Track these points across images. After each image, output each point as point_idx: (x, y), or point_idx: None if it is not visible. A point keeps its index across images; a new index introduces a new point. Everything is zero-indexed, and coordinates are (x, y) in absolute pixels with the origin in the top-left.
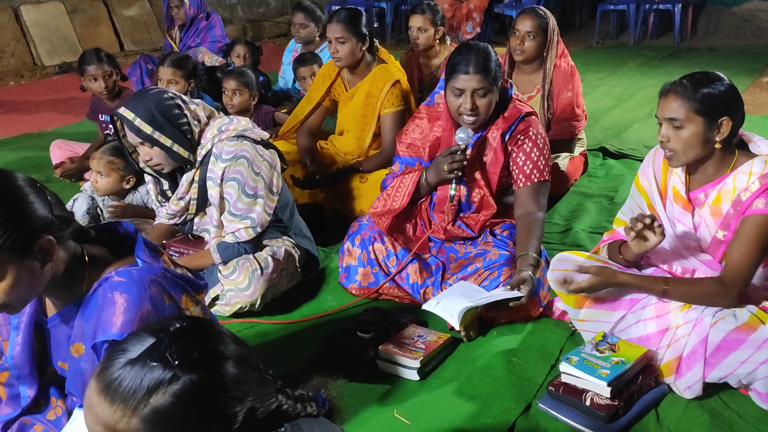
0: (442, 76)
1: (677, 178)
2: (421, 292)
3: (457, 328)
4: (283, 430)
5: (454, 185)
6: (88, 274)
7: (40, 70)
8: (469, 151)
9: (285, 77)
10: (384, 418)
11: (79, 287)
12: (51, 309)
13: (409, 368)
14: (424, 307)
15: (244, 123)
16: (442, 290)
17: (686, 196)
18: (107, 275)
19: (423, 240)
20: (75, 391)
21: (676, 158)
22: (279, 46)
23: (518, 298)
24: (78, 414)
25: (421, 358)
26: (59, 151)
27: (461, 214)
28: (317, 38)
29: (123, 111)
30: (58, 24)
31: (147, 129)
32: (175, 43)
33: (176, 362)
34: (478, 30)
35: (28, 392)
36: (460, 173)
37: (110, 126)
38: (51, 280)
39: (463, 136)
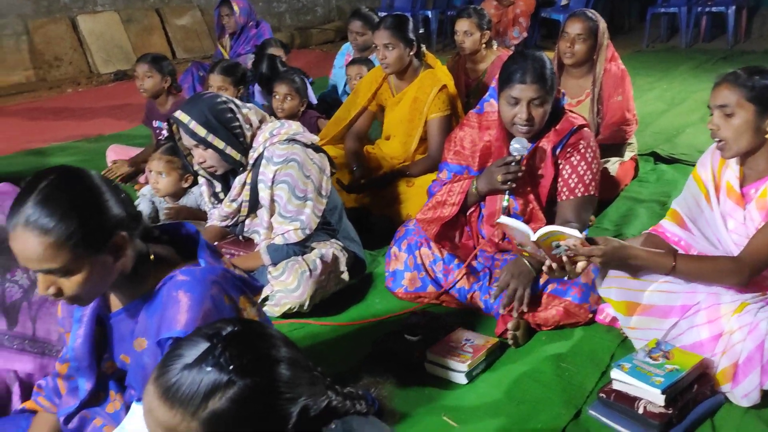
0: (492, 84)
1: (732, 172)
2: (468, 296)
3: (533, 238)
4: (333, 426)
5: (507, 196)
6: (153, 272)
7: (96, 78)
8: (522, 162)
9: (336, 81)
10: (432, 420)
11: (144, 284)
12: (115, 305)
13: (457, 371)
14: (499, 219)
15: (294, 127)
16: (489, 295)
17: (740, 191)
18: (172, 274)
19: (473, 254)
20: (135, 384)
21: (727, 148)
22: (326, 53)
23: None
24: (136, 408)
25: (469, 361)
26: (115, 156)
27: None
28: (374, 45)
29: (179, 114)
30: (114, 33)
31: (201, 132)
32: (225, 51)
33: (231, 367)
34: (525, 35)
35: (86, 385)
36: (513, 184)
37: (163, 132)
38: (119, 276)
39: (518, 147)
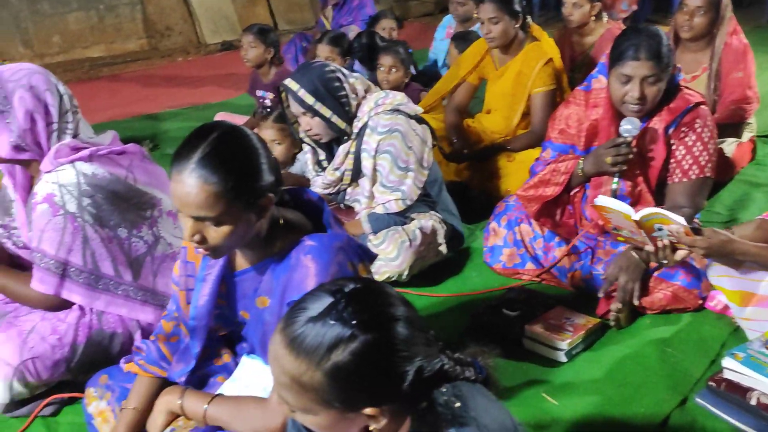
0: (602, 60)
1: None
2: (569, 275)
3: (635, 217)
4: (444, 390)
5: (616, 179)
6: (282, 236)
7: (204, 48)
8: (632, 144)
9: (436, 53)
10: (531, 396)
11: (273, 246)
12: (240, 264)
13: (557, 349)
14: (596, 200)
15: (399, 97)
16: (590, 275)
17: None
18: (300, 239)
19: (576, 237)
20: (254, 338)
21: None
22: (425, 25)
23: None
24: (246, 360)
25: (569, 339)
26: None
27: None
28: (475, 15)
29: (288, 82)
30: (221, 5)
31: (309, 100)
32: (327, 22)
33: (353, 322)
34: (635, 7)
35: (196, 344)
36: (624, 167)
37: (266, 101)
38: (252, 238)
39: (629, 128)
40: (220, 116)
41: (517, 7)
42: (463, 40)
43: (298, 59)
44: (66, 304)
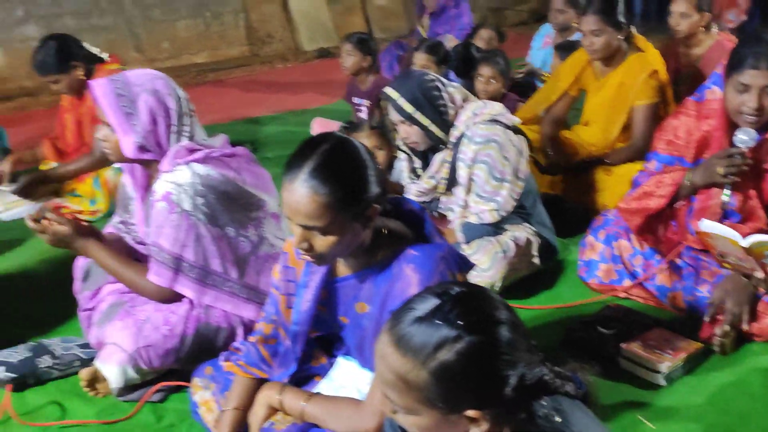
0: (717, 70)
1: None
2: (669, 296)
3: (744, 244)
4: (545, 403)
5: (727, 191)
6: (384, 245)
7: (302, 55)
8: (747, 155)
9: (532, 61)
10: (627, 418)
11: (376, 255)
12: (342, 271)
13: (656, 372)
14: (701, 226)
15: (497, 108)
16: (693, 297)
17: None
18: (402, 248)
19: (677, 249)
20: (351, 342)
21: None
22: (519, 34)
23: None
24: (341, 361)
25: (669, 363)
26: (319, 128)
27: (724, 222)
28: (574, 24)
29: (388, 90)
30: (318, 13)
31: (409, 108)
32: (424, 30)
33: (459, 323)
34: (744, 18)
35: (297, 348)
36: (736, 178)
37: (361, 108)
38: (356, 246)
39: (745, 138)
40: (316, 122)
41: (621, 18)
42: (567, 49)
43: (393, 67)
44: (177, 297)
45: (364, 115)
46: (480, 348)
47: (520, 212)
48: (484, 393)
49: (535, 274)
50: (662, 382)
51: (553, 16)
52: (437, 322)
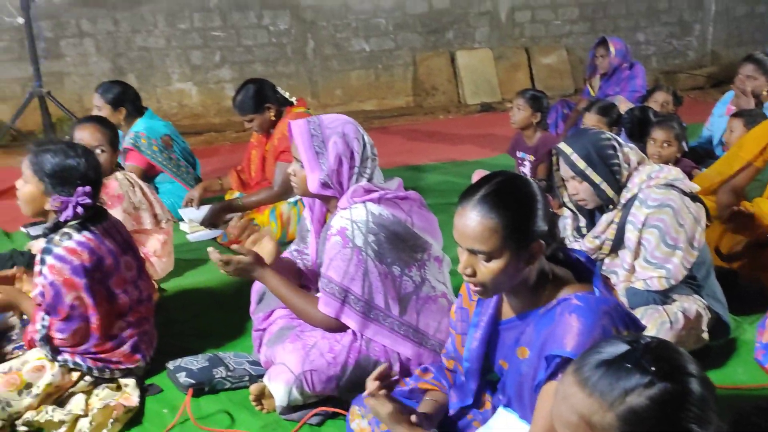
0: None
1: None
2: None
3: None
4: None
5: None
6: (549, 289)
7: (464, 108)
8: None
9: (712, 130)
10: None
11: (539, 298)
12: (505, 313)
13: None
14: None
15: (674, 172)
16: None
17: None
18: (567, 296)
19: None
20: (510, 389)
21: None
22: (693, 99)
23: None
24: (501, 412)
25: None
26: None
27: None
28: (765, 92)
29: (562, 145)
30: (485, 68)
31: (581, 164)
32: (593, 90)
33: (652, 369)
34: None
35: (472, 385)
36: None
37: (525, 162)
38: (520, 285)
39: None
40: (478, 174)
41: None
42: (754, 118)
43: (558, 125)
44: (342, 328)
45: (526, 169)
46: (672, 396)
47: (691, 283)
48: None
49: (702, 350)
50: None
51: (739, 82)
52: (627, 365)
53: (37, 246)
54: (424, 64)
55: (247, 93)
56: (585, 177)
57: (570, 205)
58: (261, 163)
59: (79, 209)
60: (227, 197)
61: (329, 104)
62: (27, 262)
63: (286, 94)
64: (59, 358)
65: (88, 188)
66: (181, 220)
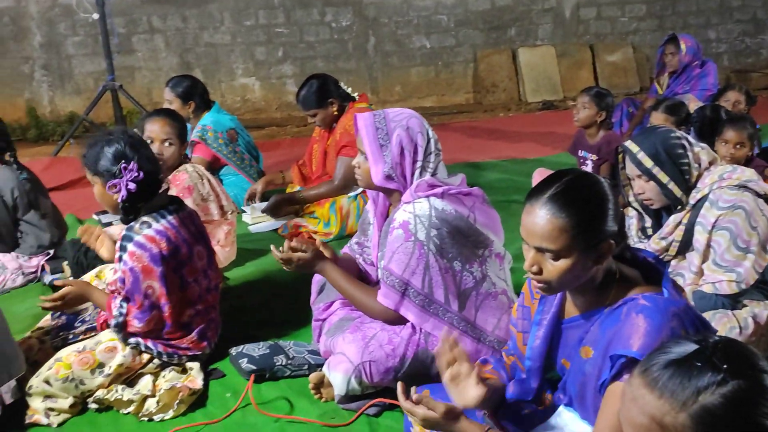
0: None
1: None
2: None
3: None
4: None
5: None
6: (616, 289)
7: (524, 105)
8: None
9: None
10: None
11: (605, 298)
12: (569, 312)
13: None
14: None
15: (748, 173)
16: None
17: None
18: (634, 296)
19: None
20: (572, 389)
21: None
22: (766, 99)
23: None
24: (562, 411)
25: None
26: (540, 178)
27: None
28: None
29: (629, 143)
30: (546, 65)
31: (648, 163)
32: (661, 89)
33: (724, 366)
34: None
35: (533, 383)
36: None
37: (587, 161)
38: (586, 284)
39: None
40: (539, 172)
41: None
42: None
43: (623, 124)
44: (401, 321)
45: (588, 168)
46: (747, 393)
47: (762, 288)
48: None
49: None
50: None
51: None
52: (698, 364)
53: (110, 231)
54: (485, 61)
55: (311, 88)
56: (652, 176)
57: (635, 204)
58: (322, 158)
59: (131, 186)
60: (288, 191)
61: (388, 100)
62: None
63: (349, 90)
64: (131, 340)
65: (132, 164)
66: (244, 211)
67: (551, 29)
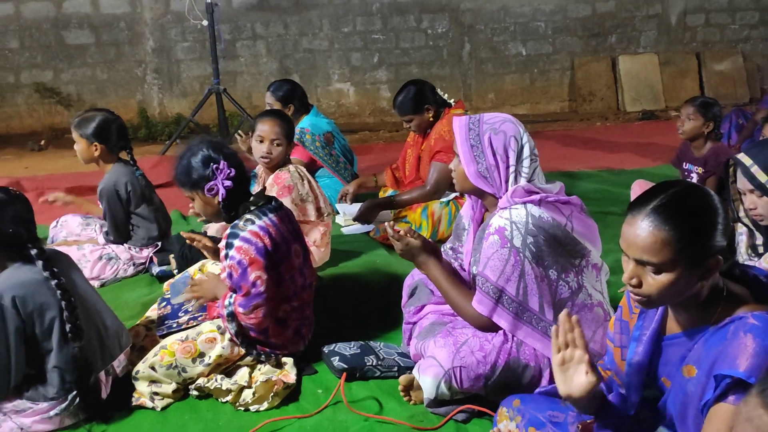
0: None
1: None
2: None
3: None
4: None
5: None
6: (722, 307)
7: (622, 115)
8: None
9: None
10: None
11: (710, 315)
12: (670, 329)
13: None
14: None
15: None
16: None
17: None
18: (743, 314)
19: None
20: (672, 407)
21: None
22: None
23: None
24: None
25: None
26: (640, 190)
27: None
28: None
29: (741, 156)
30: (648, 74)
31: (762, 177)
32: None
33: None
34: None
35: (633, 399)
36: None
37: (692, 174)
38: (690, 300)
39: None
40: (638, 184)
41: None
42: None
43: (731, 135)
44: (494, 328)
45: (694, 181)
46: None
47: None
48: None
49: None
50: None
51: None
52: None
53: (212, 229)
54: (583, 68)
55: (408, 94)
56: (765, 191)
57: (746, 220)
58: (416, 162)
59: (227, 183)
60: (381, 194)
61: (481, 107)
62: (183, 243)
63: (445, 96)
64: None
65: (221, 164)
66: (338, 213)
67: (655, 36)
